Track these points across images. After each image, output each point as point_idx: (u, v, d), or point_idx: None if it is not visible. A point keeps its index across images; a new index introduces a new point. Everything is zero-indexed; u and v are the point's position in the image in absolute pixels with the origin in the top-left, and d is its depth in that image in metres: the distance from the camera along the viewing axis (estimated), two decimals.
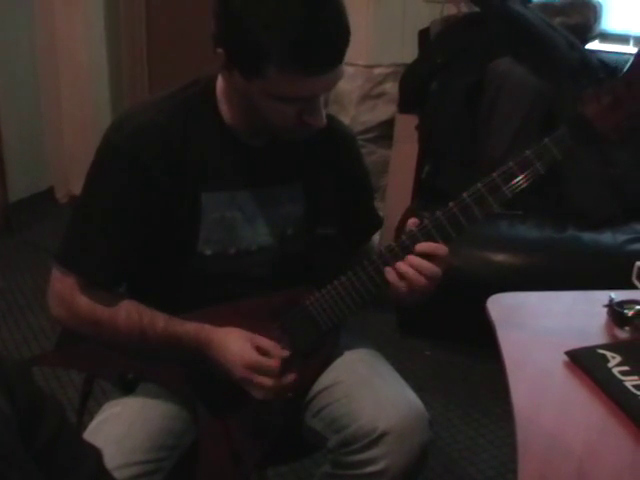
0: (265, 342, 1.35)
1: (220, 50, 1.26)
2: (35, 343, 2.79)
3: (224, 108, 1.37)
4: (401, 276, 1.30)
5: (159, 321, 1.35)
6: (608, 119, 1.26)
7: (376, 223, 1.62)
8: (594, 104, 1.27)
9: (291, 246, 1.45)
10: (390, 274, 1.31)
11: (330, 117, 1.47)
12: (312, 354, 1.42)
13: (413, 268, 1.29)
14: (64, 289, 1.38)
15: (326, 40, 1.20)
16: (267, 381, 1.32)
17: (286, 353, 1.34)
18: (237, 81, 1.28)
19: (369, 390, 1.38)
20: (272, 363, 1.32)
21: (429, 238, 1.30)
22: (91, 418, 1.40)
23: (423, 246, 1.30)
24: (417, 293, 1.32)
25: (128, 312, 1.36)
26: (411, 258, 1.30)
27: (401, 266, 1.30)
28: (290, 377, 1.34)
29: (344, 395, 1.39)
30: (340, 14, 1.23)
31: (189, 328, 1.35)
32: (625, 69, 1.29)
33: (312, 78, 1.22)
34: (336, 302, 1.37)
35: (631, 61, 1.28)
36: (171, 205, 1.35)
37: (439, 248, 1.30)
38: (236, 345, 1.33)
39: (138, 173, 1.33)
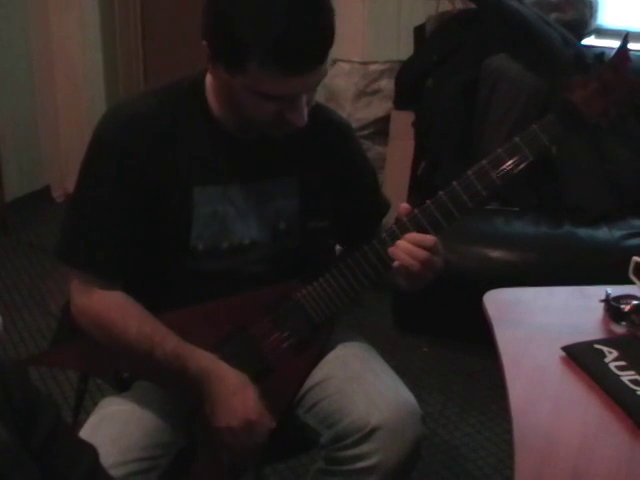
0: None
1: (205, 43, 1.26)
2: (32, 342, 2.78)
3: (213, 102, 1.37)
4: (397, 257, 1.30)
5: (170, 341, 1.33)
6: (595, 105, 1.27)
7: (383, 207, 1.59)
8: (581, 90, 1.27)
9: (284, 241, 1.44)
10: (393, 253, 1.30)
11: (324, 108, 1.47)
12: (305, 348, 1.42)
13: (404, 252, 1.29)
14: (82, 299, 1.37)
15: (308, 41, 1.20)
16: (249, 442, 1.32)
17: (273, 425, 1.33)
18: (220, 75, 1.28)
19: (361, 385, 1.38)
20: (264, 430, 1.31)
21: (419, 227, 1.30)
22: (87, 416, 1.40)
23: (410, 237, 1.30)
24: (416, 279, 1.32)
25: (140, 325, 1.33)
26: (399, 243, 1.29)
27: (393, 250, 1.30)
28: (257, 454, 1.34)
29: (336, 390, 1.39)
30: (325, 14, 1.22)
31: (199, 355, 1.33)
32: (611, 55, 1.29)
33: (293, 78, 1.22)
34: (328, 294, 1.37)
35: (617, 47, 1.28)
36: (162, 198, 1.35)
37: (425, 239, 1.29)
38: (245, 396, 1.32)
39: (127, 164, 1.33)
